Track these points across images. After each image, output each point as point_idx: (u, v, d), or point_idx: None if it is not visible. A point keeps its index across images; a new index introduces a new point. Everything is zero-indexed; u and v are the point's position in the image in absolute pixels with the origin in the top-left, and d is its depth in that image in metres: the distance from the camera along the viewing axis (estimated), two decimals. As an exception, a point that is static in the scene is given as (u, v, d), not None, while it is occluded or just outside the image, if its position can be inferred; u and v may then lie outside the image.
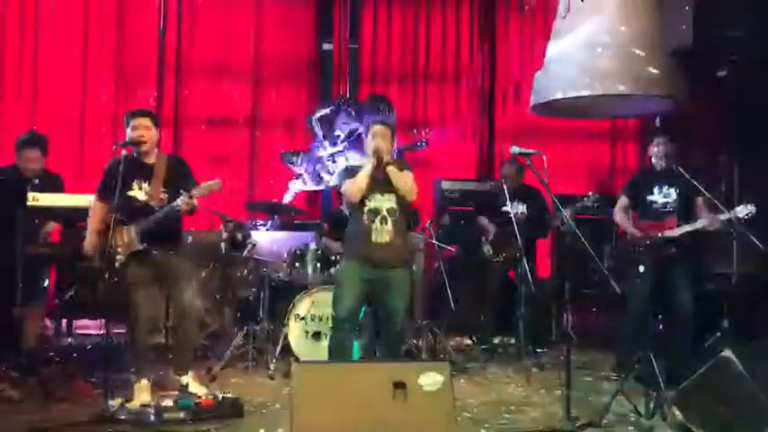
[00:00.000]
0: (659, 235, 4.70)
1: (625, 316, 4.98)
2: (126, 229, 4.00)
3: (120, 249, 3.98)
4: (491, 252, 5.71)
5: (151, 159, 4.14)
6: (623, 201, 5.10)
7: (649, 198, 4.92)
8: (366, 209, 4.04)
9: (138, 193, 4.06)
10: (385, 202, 4.06)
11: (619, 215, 5.09)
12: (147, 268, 4.05)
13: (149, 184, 4.08)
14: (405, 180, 4.06)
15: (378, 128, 4.14)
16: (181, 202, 3.91)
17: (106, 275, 3.92)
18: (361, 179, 4.02)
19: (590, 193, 5.40)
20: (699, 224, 4.67)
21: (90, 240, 4.07)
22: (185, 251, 4.35)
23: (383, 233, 4.02)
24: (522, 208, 5.70)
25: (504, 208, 5.37)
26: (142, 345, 4.11)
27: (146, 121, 4.11)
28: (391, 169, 4.05)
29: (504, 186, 5.39)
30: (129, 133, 4.08)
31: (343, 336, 4.06)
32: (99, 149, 6.74)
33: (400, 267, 4.12)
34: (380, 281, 4.06)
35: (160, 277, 4.12)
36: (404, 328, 4.34)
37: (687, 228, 4.69)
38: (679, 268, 4.72)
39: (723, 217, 4.49)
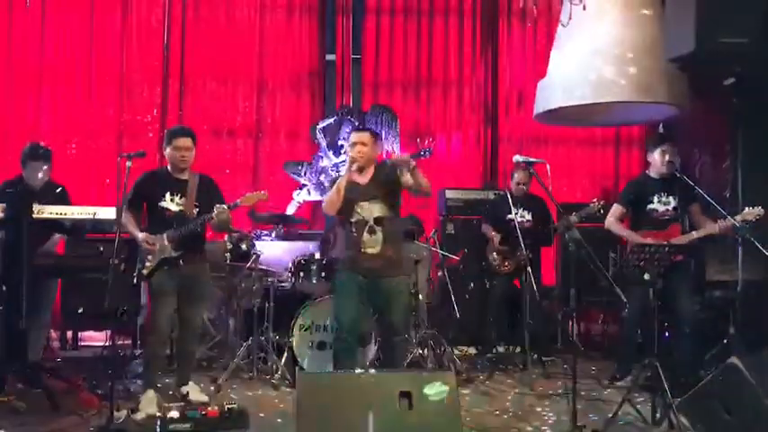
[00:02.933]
0: (666, 243, 4.57)
1: (624, 323, 4.98)
2: (158, 236, 4.09)
3: (149, 256, 4.07)
4: (497, 261, 5.70)
5: (185, 176, 4.24)
6: (618, 209, 4.99)
7: (649, 207, 4.87)
8: (353, 221, 3.96)
9: (171, 204, 4.16)
10: (372, 210, 3.94)
11: (614, 224, 4.99)
12: (171, 279, 4.12)
13: (182, 197, 4.17)
14: (419, 179, 3.80)
15: (354, 136, 4.04)
16: (217, 211, 4.02)
17: (134, 279, 4.06)
18: (333, 193, 3.92)
19: (595, 200, 5.39)
20: (706, 231, 4.65)
21: (141, 237, 4.08)
22: (206, 262, 4.41)
23: (372, 244, 3.92)
24: (526, 216, 5.70)
25: (509, 216, 5.38)
26: (155, 354, 4.17)
27: (188, 142, 4.23)
28: (414, 170, 3.76)
29: (509, 195, 5.40)
30: (170, 152, 4.19)
31: (346, 346, 4.01)
32: (103, 159, 6.78)
33: (394, 277, 3.99)
34: (375, 292, 3.98)
35: (179, 288, 4.17)
36: (404, 340, 4.30)
37: (695, 235, 4.68)
38: (681, 274, 4.69)
39: (729, 222, 4.47)
